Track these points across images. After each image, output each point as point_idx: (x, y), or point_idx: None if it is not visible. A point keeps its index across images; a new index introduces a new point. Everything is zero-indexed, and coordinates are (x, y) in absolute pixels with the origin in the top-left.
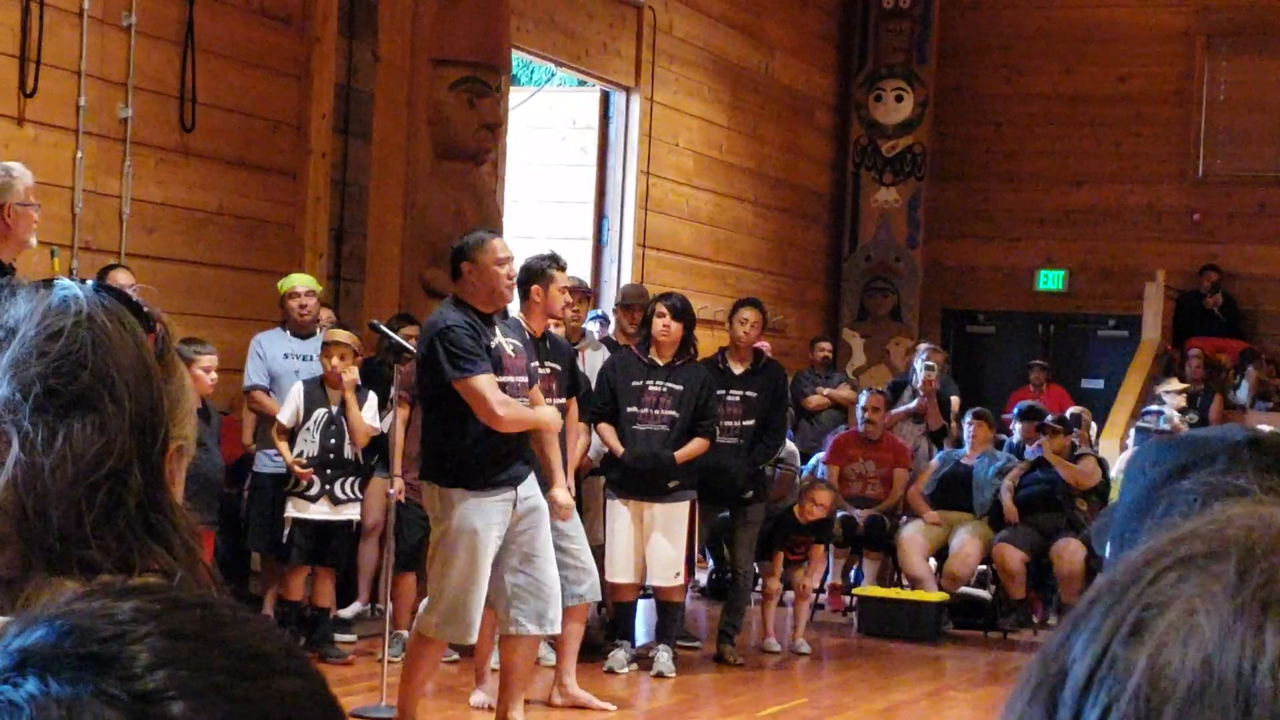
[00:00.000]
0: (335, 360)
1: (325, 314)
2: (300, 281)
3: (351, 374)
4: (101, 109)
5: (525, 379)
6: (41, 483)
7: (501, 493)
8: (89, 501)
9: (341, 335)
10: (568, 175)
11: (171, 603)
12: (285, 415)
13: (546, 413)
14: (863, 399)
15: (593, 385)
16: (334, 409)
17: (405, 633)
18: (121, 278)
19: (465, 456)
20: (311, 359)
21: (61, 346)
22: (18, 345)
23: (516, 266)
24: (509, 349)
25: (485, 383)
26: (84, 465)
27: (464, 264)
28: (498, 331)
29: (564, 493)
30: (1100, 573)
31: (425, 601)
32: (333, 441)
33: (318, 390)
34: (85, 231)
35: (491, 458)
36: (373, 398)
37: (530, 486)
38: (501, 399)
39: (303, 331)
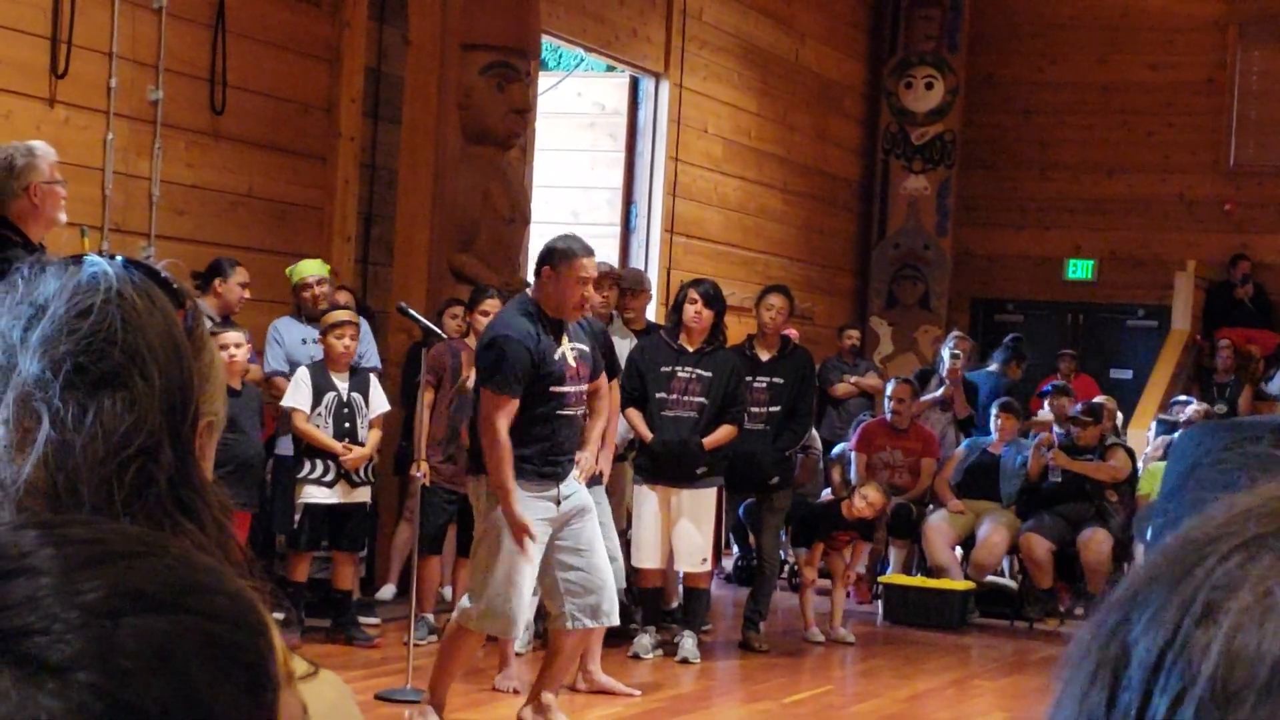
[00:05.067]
0: (347, 340)
1: (345, 296)
2: (310, 270)
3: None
4: (132, 91)
5: (584, 386)
6: (72, 460)
7: (546, 489)
8: (119, 479)
9: (345, 315)
10: (596, 161)
11: (60, 538)
12: (300, 401)
13: (517, 515)
14: (889, 388)
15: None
16: (343, 391)
17: (430, 616)
18: (239, 275)
19: (518, 451)
20: None
21: (91, 324)
22: (47, 323)
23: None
24: (571, 357)
25: (504, 406)
26: (114, 442)
27: (546, 268)
28: (565, 338)
29: (589, 453)
30: (1131, 559)
31: (466, 593)
32: (346, 425)
33: (322, 374)
34: (115, 213)
35: (542, 450)
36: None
37: (573, 484)
38: (502, 433)
39: (317, 316)
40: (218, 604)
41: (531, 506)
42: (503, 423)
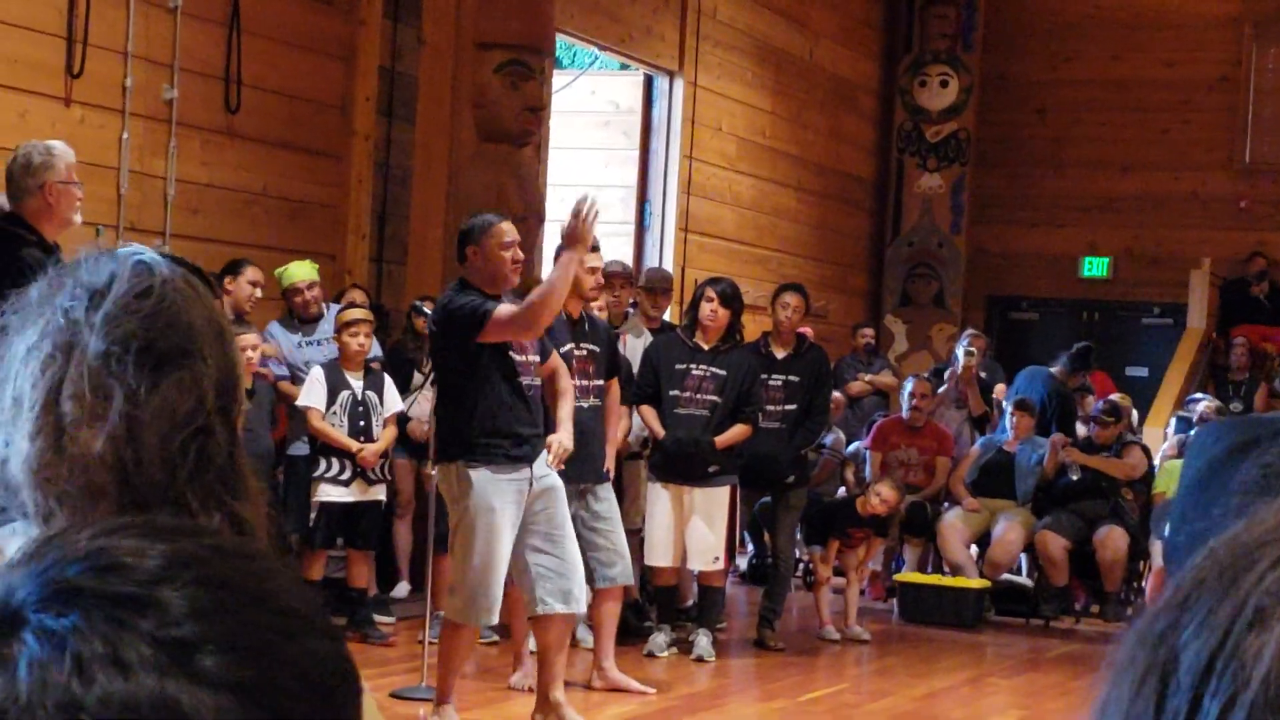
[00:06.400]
0: (362, 338)
1: (358, 295)
2: (301, 275)
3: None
4: (147, 90)
5: (537, 358)
6: (140, 436)
7: (516, 470)
8: (182, 456)
9: (360, 313)
10: (610, 159)
11: (215, 549)
12: (315, 400)
13: (556, 271)
14: (909, 385)
15: (634, 368)
16: (357, 389)
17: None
18: (251, 274)
19: (480, 432)
20: (323, 343)
21: (152, 303)
22: (110, 302)
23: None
24: None
25: (502, 309)
26: (178, 420)
27: (469, 247)
28: None
29: (562, 435)
30: (1147, 557)
31: (451, 587)
32: (361, 423)
33: (336, 373)
34: (131, 212)
35: (505, 432)
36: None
37: (543, 466)
38: (519, 307)
39: (309, 320)
40: (332, 621)
41: (502, 489)
42: (512, 310)
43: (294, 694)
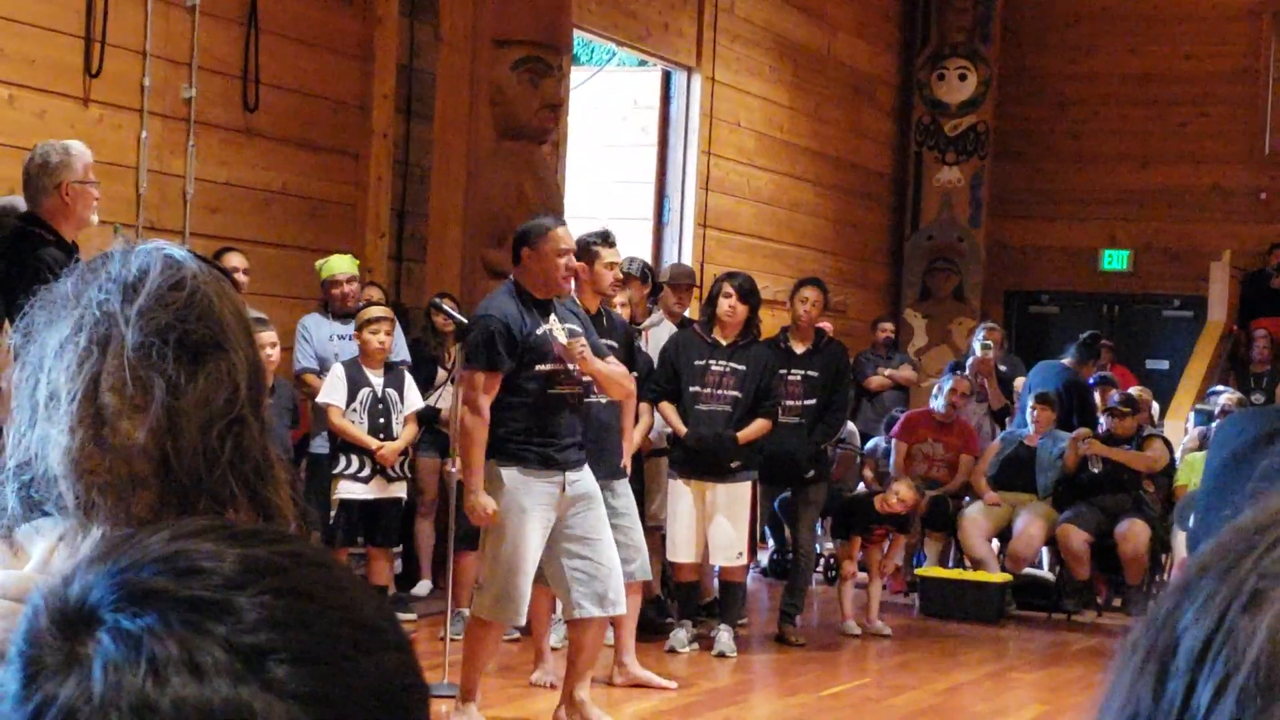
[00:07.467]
0: (383, 336)
1: (376, 293)
2: (341, 267)
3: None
4: (166, 89)
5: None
6: (180, 426)
7: (550, 474)
8: (220, 447)
9: (381, 310)
10: (629, 155)
11: (292, 557)
12: (337, 397)
13: (480, 499)
14: (949, 381)
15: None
16: (377, 387)
17: (466, 611)
18: (234, 260)
19: (514, 433)
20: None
21: (186, 296)
22: (144, 297)
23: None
24: (561, 335)
25: (480, 380)
26: (216, 411)
27: (524, 249)
28: (552, 318)
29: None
30: (1168, 551)
31: (479, 583)
32: (381, 420)
33: (357, 370)
34: (150, 211)
35: (541, 436)
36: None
37: (579, 472)
38: (478, 409)
39: (345, 313)
40: (404, 632)
41: (532, 490)
42: (480, 399)
43: (365, 705)
